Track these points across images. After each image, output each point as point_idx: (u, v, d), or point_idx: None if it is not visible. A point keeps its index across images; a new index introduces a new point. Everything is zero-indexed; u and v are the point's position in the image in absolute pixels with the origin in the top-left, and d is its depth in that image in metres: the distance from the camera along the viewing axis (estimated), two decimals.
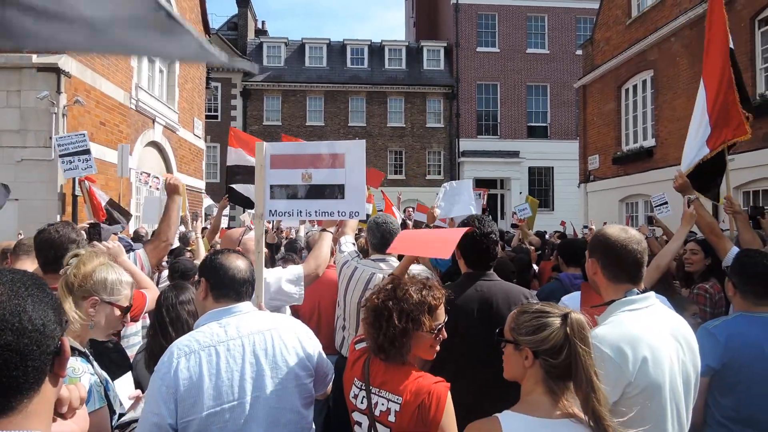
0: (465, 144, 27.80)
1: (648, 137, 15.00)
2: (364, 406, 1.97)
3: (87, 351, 1.95)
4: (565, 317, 1.64)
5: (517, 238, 8.84)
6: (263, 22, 33.48)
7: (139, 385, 2.43)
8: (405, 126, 28.30)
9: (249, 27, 30.33)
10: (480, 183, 23.19)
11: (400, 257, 3.79)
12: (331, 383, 2.30)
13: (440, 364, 2.33)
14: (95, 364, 1.93)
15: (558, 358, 1.60)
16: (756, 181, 11.05)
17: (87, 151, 6.55)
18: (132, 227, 9.81)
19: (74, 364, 1.78)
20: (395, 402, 1.89)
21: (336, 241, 3.71)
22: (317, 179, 2.67)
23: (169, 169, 14.35)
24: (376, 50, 29.39)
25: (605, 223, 13.00)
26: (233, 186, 5.95)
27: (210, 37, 17.86)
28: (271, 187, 2.71)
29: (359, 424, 2.00)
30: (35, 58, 8.77)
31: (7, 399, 0.96)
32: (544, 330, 1.64)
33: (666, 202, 8.03)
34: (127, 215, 7.16)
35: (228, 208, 6.65)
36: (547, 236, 10.81)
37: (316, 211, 2.71)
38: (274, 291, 2.82)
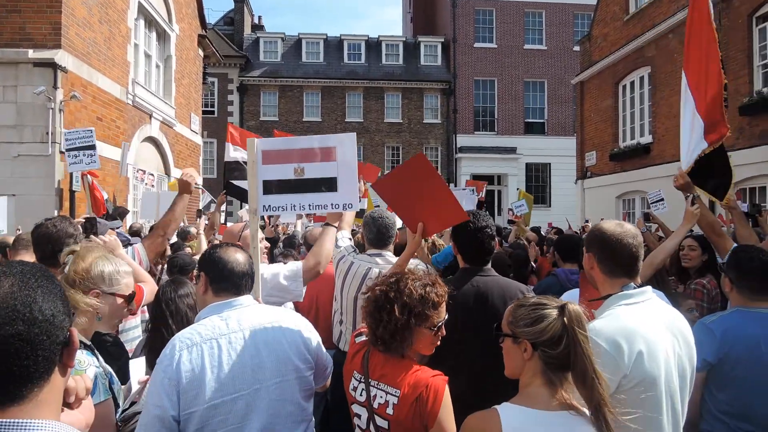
0: (462, 140, 27.81)
1: (645, 134, 15.04)
2: (363, 399, 1.99)
3: (92, 344, 1.97)
4: (562, 308, 1.67)
5: (514, 233, 8.88)
6: (260, 18, 33.36)
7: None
8: (402, 122, 28.28)
9: (245, 22, 30.21)
10: (477, 179, 23.22)
11: (397, 252, 3.81)
12: (330, 376, 2.33)
13: (438, 358, 2.36)
14: (100, 357, 1.95)
15: (557, 348, 1.63)
16: (753, 178, 11.11)
17: (92, 147, 6.64)
18: (128, 222, 9.82)
19: (80, 356, 1.80)
20: (393, 395, 1.91)
21: None
22: (310, 173, 2.70)
23: (166, 165, 14.32)
24: (373, 46, 29.33)
25: (602, 219, 13.04)
26: (232, 181, 5.96)
27: (206, 31, 17.76)
28: (264, 182, 2.73)
29: (358, 416, 2.02)
30: (31, 53, 8.73)
31: (18, 388, 0.98)
32: (542, 321, 1.66)
33: (662, 199, 8.07)
34: (124, 211, 7.21)
35: (224, 204, 6.66)
36: (542, 232, 10.85)
37: (309, 205, 2.74)
38: (271, 287, 2.83)
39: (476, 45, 27.76)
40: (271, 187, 2.73)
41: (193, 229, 6.55)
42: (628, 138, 15.88)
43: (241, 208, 13.07)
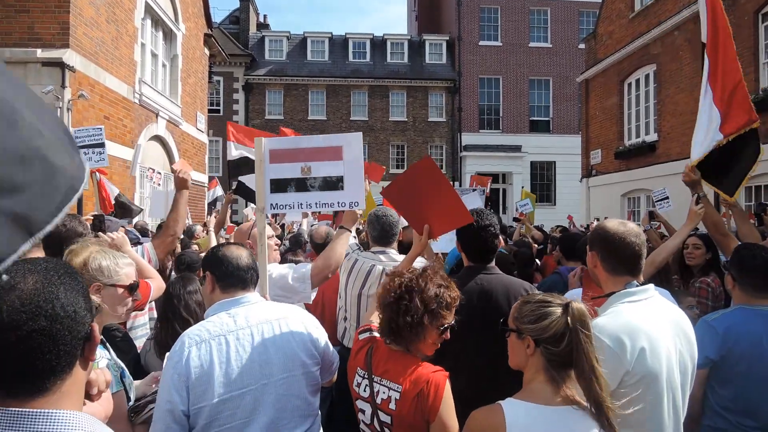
0: (467, 138, 27.79)
1: (650, 132, 15.00)
2: (366, 395, 2.03)
3: (103, 338, 2.01)
4: (566, 306, 1.69)
5: (518, 232, 8.89)
6: (265, 16, 33.43)
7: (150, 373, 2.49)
8: (407, 120, 28.28)
9: (251, 21, 30.27)
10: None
11: (403, 251, 3.84)
12: (336, 371, 2.36)
13: (440, 354, 2.39)
14: (111, 350, 2.00)
15: (559, 346, 1.66)
16: (760, 176, 11.04)
17: (102, 144, 6.72)
18: (135, 221, 9.88)
19: None
20: (395, 390, 1.94)
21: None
22: (316, 172, 2.74)
23: (172, 164, 14.38)
24: (378, 44, 29.33)
25: (606, 217, 13.03)
26: (239, 178, 6.01)
27: (212, 30, 17.82)
28: (272, 181, 2.76)
29: (363, 411, 2.06)
30: (40, 53, 8.80)
31: (42, 380, 1.02)
32: (545, 319, 1.69)
33: (667, 197, 8.05)
34: (135, 210, 7.27)
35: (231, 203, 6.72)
36: (548, 231, 10.86)
37: (316, 203, 2.77)
38: (279, 287, 2.86)
39: (481, 43, 27.72)
40: (278, 186, 2.77)
41: (198, 227, 6.61)
42: (634, 136, 15.83)
43: (246, 206, 13.13)
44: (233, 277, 2.13)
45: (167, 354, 2.02)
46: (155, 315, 3.53)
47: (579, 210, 18.26)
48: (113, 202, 7.01)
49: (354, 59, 28.82)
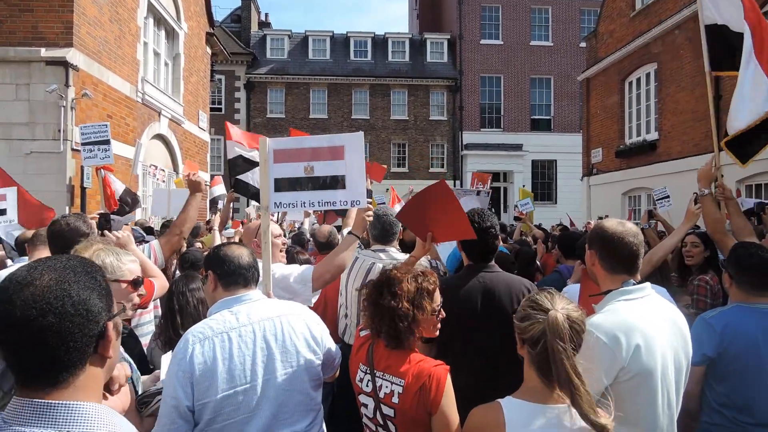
0: (468, 137, 27.79)
1: (651, 130, 15.00)
2: (369, 389, 2.08)
3: None
4: (547, 313, 1.72)
5: (519, 231, 8.94)
6: (266, 15, 33.43)
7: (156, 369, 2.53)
8: (408, 119, 28.29)
9: (252, 19, 30.27)
10: None
11: (406, 249, 3.89)
12: (338, 367, 2.40)
13: (444, 350, 2.44)
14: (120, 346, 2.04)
15: (535, 348, 1.71)
16: (759, 174, 11.07)
17: (107, 142, 6.76)
18: (135, 217, 9.94)
19: None
20: (398, 385, 2.00)
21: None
22: (319, 171, 2.79)
23: (174, 162, 14.44)
24: (380, 43, 29.33)
25: (606, 216, 13.06)
26: (239, 178, 6.04)
27: (213, 29, 17.85)
28: (275, 180, 2.82)
29: (365, 405, 2.10)
30: (44, 52, 8.85)
31: (53, 374, 1.06)
32: (527, 320, 1.75)
33: (668, 196, 8.09)
34: (136, 203, 7.32)
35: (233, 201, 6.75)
36: (548, 229, 10.90)
37: (319, 201, 2.83)
38: (282, 287, 2.90)
39: (482, 42, 27.70)
40: (281, 185, 2.82)
41: (202, 224, 6.65)
42: (634, 135, 15.83)
43: (247, 205, 13.17)
44: (235, 275, 2.17)
45: (171, 351, 2.06)
46: (160, 313, 3.58)
47: (580, 208, 18.27)
48: (118, 199, 7.06)
49: (355, 58, 28.83)
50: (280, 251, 3.36)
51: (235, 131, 6.03)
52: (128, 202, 7.16)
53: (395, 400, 1.99)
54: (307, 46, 28.92)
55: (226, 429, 1.96)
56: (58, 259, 1.16)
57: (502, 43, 27.76)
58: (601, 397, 1.90)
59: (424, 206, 2.78)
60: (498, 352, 2.32)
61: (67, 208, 8.71)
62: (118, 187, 7.20)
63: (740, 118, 3.80)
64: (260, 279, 2.35)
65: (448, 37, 28.99)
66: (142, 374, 2.29)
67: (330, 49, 28.92)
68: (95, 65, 9.87)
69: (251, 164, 5.64)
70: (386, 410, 2.02)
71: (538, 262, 6.60)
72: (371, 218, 3.11)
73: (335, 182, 2.79)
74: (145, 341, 3.25)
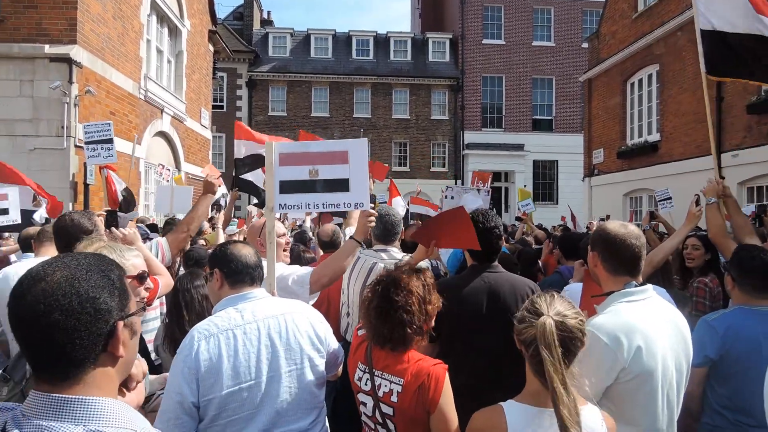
0: (469, 136, 27.80)
1: (653, 132, 15.01)
2: (368, 388, 2.10)
3: None
4: (540, 319, 1.71)
5: (521, 231, 8.97)
6: (269, 13, 33.46)
7: (162, 366, 2.56)
8: (410, 118, 28.30)
9: (255, 17, 30.29)
10: None
11: (407, 249, 3.91)
12: (341, 365, 2.43)
13: (446, 349, 2.46)
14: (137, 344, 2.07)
15: (529, 351, 1.72)
16: (760, 177, 11.10)
17: (110, 140, 6.80)
18: (139, 214, 9.97)
19: None
20: (397, 383, 2.02)
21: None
22: (323, 174, 2.84)
23: (176, 159, 14.46)
24: (382, 42, 29.32)
25: (608, 216, 13.08)
26: (242, 177, 6.07)
27: (216, 26, 17.88)
28: (281, 182, 2.87)
29: (364, 404, 2.13)
30: (47, 49, 8.88)
31: (62, 369, 1.08)
32: (523, 322, 1.75)
33: (670, 197, 8.12)
34: (132, 204, 7.35)
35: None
36: (549, 230, 10.93)
37: (323, 204, 2.87)
38: (281, 288, 2.92)
39: (484, 41, 27.70)
40: (287, 187, 2.86)
41: (205, 223, 6.67)
42: (636, 136, 15.85)
43: (249, 203, 13.20)
44: (242, 274, 2.20)
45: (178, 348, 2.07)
46: (165, 310, 3.61)
47: (581, 209, 18.28)
48: (119, 197, 7.10)
49: (357, 56, 28.83)
50: (283, 250, 3.38)
51: (244, 130, 6.06)
52: (126, 200, 7.19)
53: (394, 398, 2.01)
54: (309, 44, 28.93)
55: (230, 425, 1.98)
56: (75, 256, 1.17)
57: (504, 43, 27.75)
58: (603, 399, 1.94)
59: (438, 223, 2.81)
60: (501, 353, 2.33)
61: (70, 204, 8.74)
62: (121, 184, 7.24)
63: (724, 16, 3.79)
64: (265, 278, 2.38)
65: (450, 36, 28.99)
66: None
67: (332, 48, 28.93)
68: (98, 62, 9.90)
69: (257, 164, 5.67)
70: (385, 409, 2.04)
71: (539, 263, 6.62)
72: (373, 224, 3.13)
73: (339, 185, 2.83)
74: (149, 338, 3.28)
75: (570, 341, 1.68)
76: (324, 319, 2.34)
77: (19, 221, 5.39)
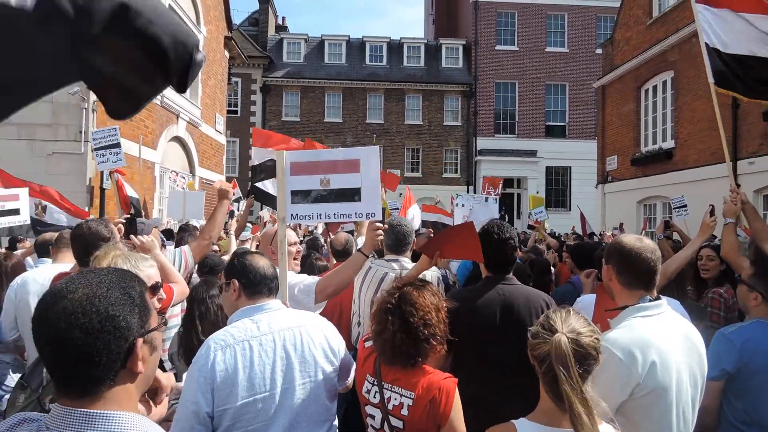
0: (482, 142, 27.75)
1: (667, 139, 14.88)
2: (377, 401, 2.11)
3: None
4: (554, 335, 1.68)
5: (533, 239, 8.93)
6: (283, 19, 33.65)
7: (176, 376, 2.58)
8: (422, 124, 28.32)
9: (270, 23, 30.51)
10: None
11: (416, 259, 3.91)
12: (353, 377, 2.43)
13: (459, 360, 2.46)
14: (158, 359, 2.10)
15: (542, 367, 1.69)
16: None
17: (117, 145, 6.87)
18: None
19: None
20: (408, 397, 2.03)
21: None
22: (335, 184, 2.83)
23: (191, 164, 14.59)
24: (395, 47, 29.42)
25: (621, 224, 12.96)
26: (257, 185, 6.12)
27: (232, 32, 18.03)
28: (292, 192, 2.87)
29: (372, 416, 2.14)
30: None
31: (81, 385, 1.10)
32: (537, 337, 1.73)
33: (685, 205, 8.05)
34: (139, 213, 7.44)
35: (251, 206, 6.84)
36: (562, 237, 10.87)
37: (335, 214, 2.86)
38: (288, 297, 2.95)
39: (498, 47, 27.69)
40: (298, 197, 2.87)
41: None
42: (650, 143, 15.71)
43: (261, 209, 13.29)
44: (260, 285, 2.22)
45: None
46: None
47: (594, 216, 18.14)
48: (131, 201, 7.20)
49: (371, 62, 28.93)
50: (294, 259, 3.40)
51: (262, 135, 6.09)
52: (135, 208, 7.28)
53: (404, 412, 2.02)
54: (323, 50, 29.09)
55: None
56: (97, 272, 1.19)
57: (517, 49, 27.71)
58: (618, 415, 1.92)
59: (445, 235, 2.82)
60: (515, 366, 2.33)
61: (86, 208, 8.85)
62: (131, 192, 7.33)
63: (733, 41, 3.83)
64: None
65: (464, 42, 29.00)
66: None
67: (345, 54, 29.07)
68: None
69: (273, 171, 5.70)
70: (395, 422, 2.05)
71: (552, 271, 6.59)
72: (381, 237, 3.13)
73: (351, 194, 2.83)
74: (164, 346, 3.31)
75: (585, 359, 1.65)
76: (337, 332, 2.35)
77: (29, 222, 5.43)
